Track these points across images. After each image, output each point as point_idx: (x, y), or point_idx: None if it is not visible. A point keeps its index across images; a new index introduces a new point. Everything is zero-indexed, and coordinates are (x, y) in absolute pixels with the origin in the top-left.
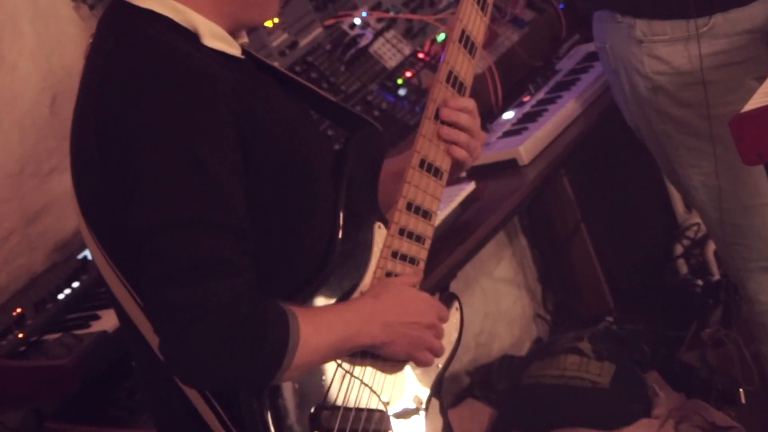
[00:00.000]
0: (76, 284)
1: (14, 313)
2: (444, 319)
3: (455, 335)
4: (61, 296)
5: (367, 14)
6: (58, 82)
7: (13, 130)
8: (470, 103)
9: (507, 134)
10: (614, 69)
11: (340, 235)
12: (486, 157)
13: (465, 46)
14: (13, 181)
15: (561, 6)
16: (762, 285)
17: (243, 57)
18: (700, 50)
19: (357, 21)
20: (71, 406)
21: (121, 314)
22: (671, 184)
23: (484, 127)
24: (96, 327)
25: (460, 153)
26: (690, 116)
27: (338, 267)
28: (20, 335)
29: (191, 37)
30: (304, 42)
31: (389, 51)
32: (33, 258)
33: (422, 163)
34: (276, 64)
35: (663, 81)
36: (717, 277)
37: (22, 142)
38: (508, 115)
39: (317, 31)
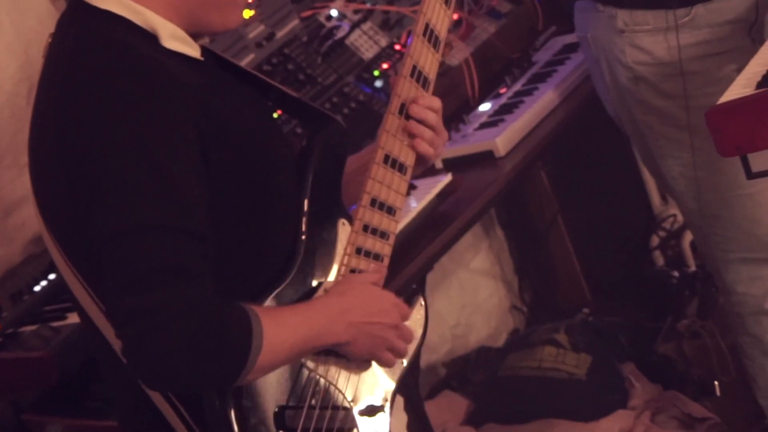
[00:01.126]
0: (52, 276)
1: None
2: (406, 318)
3: (420, 331)
4: (37, 288)
5: (344, 5)
6: (35, 73)
7: None
8: (437, 103)
9: (483, 126)
10: (596, 59)
11: (304, 234)
12: (462, 148)
13: (429, 40)
14: None
15: None
16: (740, 276)
17: (202, 58)
18: (679, 41)
19: (334, 13)
20: (49, 398)
21: (84, 318)
22: (650, 175)
23: (461, 118)
24: (72, 319)
25: (425, 148)
26: (671, 107)
27: (303, 265)
28: None
29: (150, 38)
30: (280, 34)
31: (366, 43)
32: (10, 250)
33: (386, 158)
34: (251, 56)
35: (644, 71)
36: (693, 268)
37: None
38: (485, 106)
39: (294, 22)
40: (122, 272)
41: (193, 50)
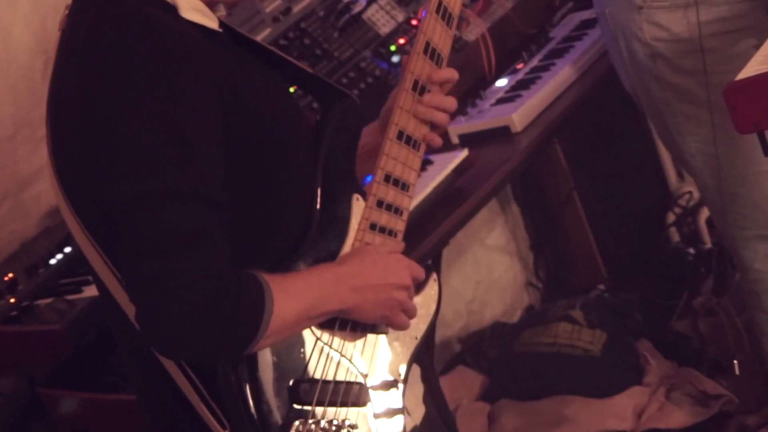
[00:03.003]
0: (68, 249)
1: (6, 278)
2: (419, 278)
3: (433, 307)
4: (53, 261)
5: None
6: (51, 47)
7: (6, 95)
8: (454, 74)
9: (500, 101)
10: (613, 35)
11: (318, 208)
12: (479, 124)
13: (442, 17)
14: (6, 146)
15: None
16: (757, 253)
17: (221, 30)
18: (699, 17)
19: None
20: (64, 371)
21: (101, 287)
22: (668, 151)
23: (477, 94)
24: (88, 292)
25: (443, 118)
26: (689, 84)
27: (316, 239)
28: (12, 300)
29: (169, 9)
30: (297, 8)
31: (383, 18)
32: (25, 223)
33: (400, 134)
34: (268, 30)
35: (662, 48)
36: (709, 245)
37: (15, 107)
38: (502, 82)
39: None
40: (140, 236)
41: (211, 22)
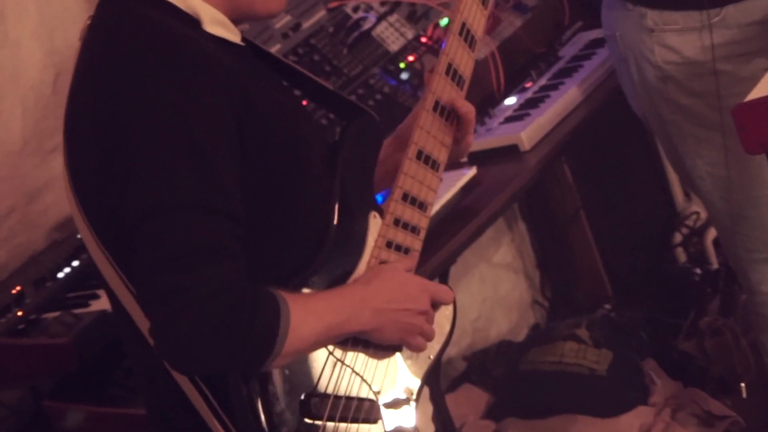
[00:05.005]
0: (75, 263)
1: (14, 291)
2: (438, 301)
3: (447, 327)
4: (60, 275)
5: None
6: (61, 60)
7: (15, 108)
8: (471, 110)
9: (509, 120)
10: (623, 57)
11: (335, 223)
12: (487, 142)
13: (465, 40)
14: (14, 159)
15: None
16: (764, 275)
17: (243, 44)
18: (713, 40)
19: (360, 4)
20: (69, 385)
21: (113, 300)
22: (676, 174)
23: (486, 111)
24: (95, 306)
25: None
26: (700, 106)
27: (332, 255)
28: (19, 313)
29: (192, 22)
30: (307, 24)
31: (392, 35)
32: (33, 236)
33: (419, 154)
34: (278, 46)
35: (673, 70)
36: (715, 266)
37: (24, 120)
38: (510, 100)
39: (320, 13)
40: (156, 249)
41: (234, 36)
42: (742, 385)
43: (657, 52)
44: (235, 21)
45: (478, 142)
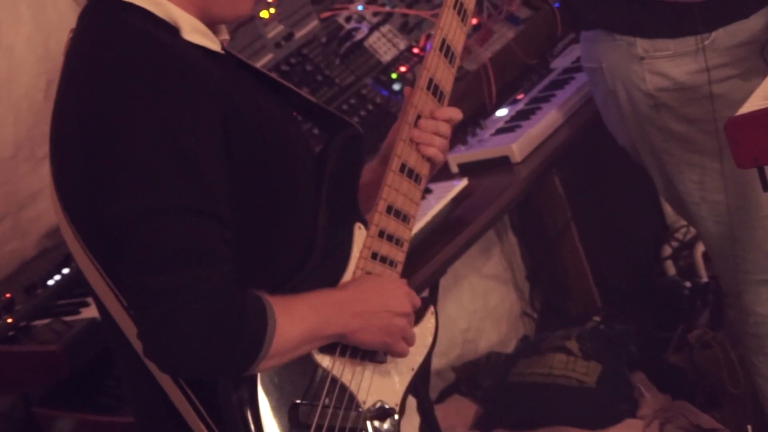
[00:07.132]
0: (66, 270)
1: (4, 298)
2: (416, 306)
3: (430, 339)
4: (51, 282)
5: (363, 8)
6: (54, 67)
7: (8, 114)
8: (457, 114)
9: (500, 131)
10: (611, 89)
11: (320, 234)
12: (479, 153)
13: (445, 55)
14: (6, 165)
15: (557, 4)
16: (759, 297)
17: (223, 53)
18: (707, 63)
19: (353, 15)
20: (60, 392)
21: (101, 309)
22: (668, 204)
23: (477, 123)
24: (86, 313)
25: (434, 152)
26: (693, 132)
27: (318, 265)
28: (9, 320)
29: (172, 31)
30: (299, 34)
31: (384, 45)
32: (24, 243)
33: (402, 167)
34: (270, 56)
35: (666, 97)
36: (705, 279)
37: (16, 127)
38: (502, 112)
39: (313, 23)
40: (144, 252)
41: (213, 44)
42: (749, 426)
43: (648, 80)
44: (210, 26)
45: (469, 154)
